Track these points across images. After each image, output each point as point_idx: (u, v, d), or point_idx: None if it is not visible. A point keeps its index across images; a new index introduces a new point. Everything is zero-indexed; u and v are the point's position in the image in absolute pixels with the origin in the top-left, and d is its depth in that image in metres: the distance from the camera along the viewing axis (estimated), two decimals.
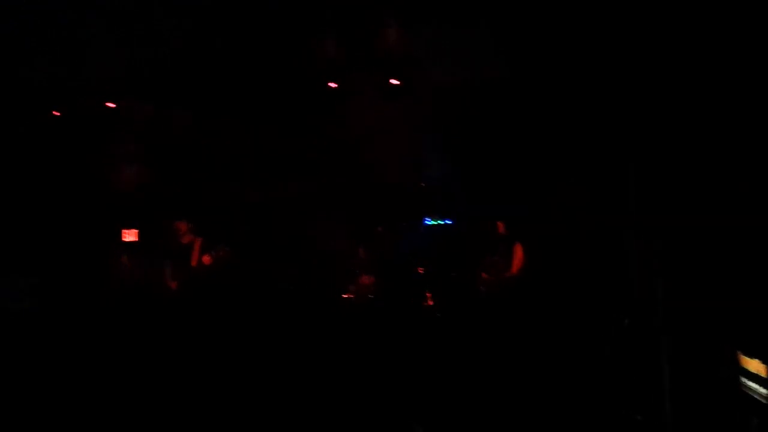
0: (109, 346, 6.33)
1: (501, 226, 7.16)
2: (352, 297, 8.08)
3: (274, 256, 8.26)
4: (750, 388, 4.11)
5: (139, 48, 6.11)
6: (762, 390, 3.94)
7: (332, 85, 6.92)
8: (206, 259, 6.88)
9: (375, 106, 7.15)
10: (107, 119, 7.30)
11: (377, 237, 8.40)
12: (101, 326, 6.89)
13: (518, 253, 7.01)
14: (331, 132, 7.67)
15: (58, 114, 7.05)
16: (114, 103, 7.07)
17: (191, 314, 6.73)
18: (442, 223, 9.02)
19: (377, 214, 8.58)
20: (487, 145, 7.58)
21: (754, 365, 4.09)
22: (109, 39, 6.00)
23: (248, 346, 6.57)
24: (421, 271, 8.24)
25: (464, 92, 7.13)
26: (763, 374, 3.89)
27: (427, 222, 9.04)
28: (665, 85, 4.83)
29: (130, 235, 8.30)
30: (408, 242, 8.73)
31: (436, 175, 8.42)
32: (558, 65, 6.19)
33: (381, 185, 8.26)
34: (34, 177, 6.95)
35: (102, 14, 5.77)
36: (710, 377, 4.42)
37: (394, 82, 6.70)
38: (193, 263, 6.90)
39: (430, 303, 7.90)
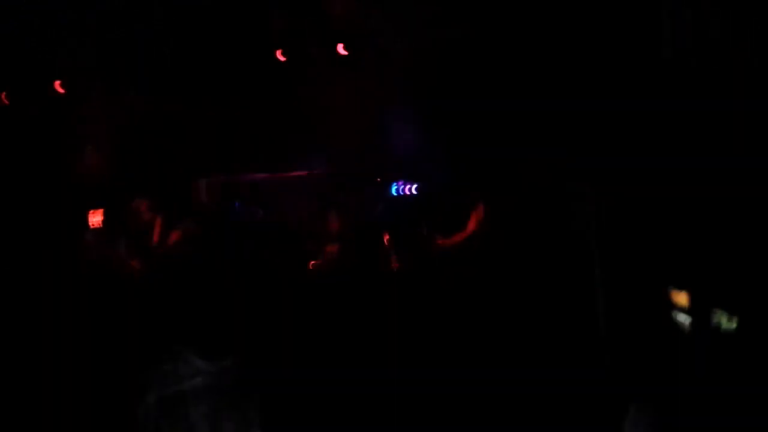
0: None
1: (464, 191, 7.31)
2: (319, 264, 8.25)
3: (240, 232, 8.36)
4: (678, 319, 4.39)
5: (90, 27, 6.15)
6: (688, 319, 4.21)
7: (281, 58, 7.00)
8: (174, 235, 6.95)
9: (330, 77, 7.25)
10: (64, 102, 7.34)
11: (341, 206, 8.54)
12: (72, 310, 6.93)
13: (474, 217, 7.15)
14: (289, 105, 7.78)
15: (6, 101, 7.07)
16: (66, 86, 7.11)
17: (159, 292, 6.84)
18: (408, 189, 9.16)
19: (340, 182, 8.72)
20: (448, 109, 7.68)
21: (682, 298, 4.37)
22: (58, 18, 6.01)
23: (219, 320, 6.65)
24: (386, 236, 8.41)
25: (418, 57, 7.23)
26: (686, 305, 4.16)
27: (393, 188, 9.17)
28: None
29: (96, 216, 8.38)
30: (373, 210, 8.89)
31: (400, 141, 8.54)
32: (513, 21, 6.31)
33: (344, 153, 8.39)
34: None
35: None
36: (645, 311, 4.69)
37: (342, 51, 6.80)
38: (155, 240, 7.01)
39: (396, 266, 8.09)
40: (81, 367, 5.17)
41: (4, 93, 7.09)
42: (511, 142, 6.85)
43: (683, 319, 4.38)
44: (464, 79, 7.22)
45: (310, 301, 7.25)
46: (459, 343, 5.59)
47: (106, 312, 6.37)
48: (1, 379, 5.11)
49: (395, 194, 8.99)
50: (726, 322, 3.93)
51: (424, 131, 8.06)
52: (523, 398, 4.47)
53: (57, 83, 7.08)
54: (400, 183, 9.05)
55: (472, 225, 7.16)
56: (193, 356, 1.47)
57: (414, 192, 8.94)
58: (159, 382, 1.43)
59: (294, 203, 8.44)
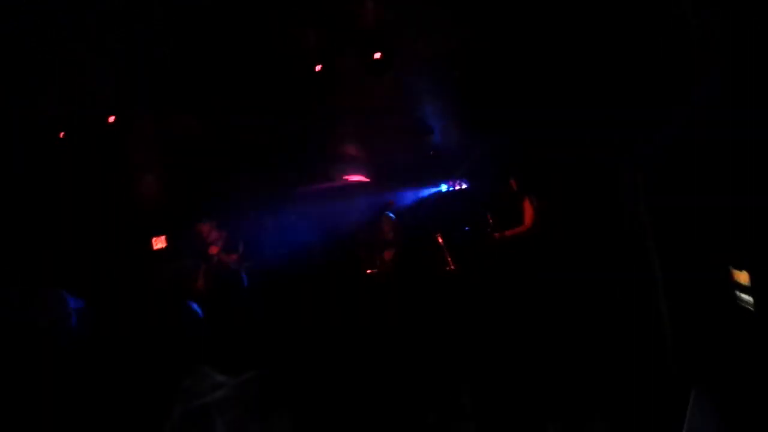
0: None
1: (513, 185, 7.22)
2: (375, 272, 8.27)
3: (299, 242, 8.47)
4: (740, 299, 4.21)
5: (135, 54, 6.33)
6: (749, 298, 4.03)
7: (318, 67, 7.07)
8: (218, 252, 7.10)
9: (367, 82, 7.29)
10: (113, 132, 7.60)
11: (391, 211, 8.56)
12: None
13: (528, 209, 7.07)
14: (332, 113, 7.85)
15: (63, 135, 7.36)
16: (115, 116, 7.37)
17: (225, 307, 6.99)
18: (457, 188, 9.11)
19: (389, 188, 8.74)
20: (487, 108, 7.62)
21: (743, 277, 4.19)
22: (104, 51, 6.22)
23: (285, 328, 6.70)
24: (440, 238, 8.37)
25: (456, 59, 7.21)
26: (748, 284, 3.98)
27: (442, 188, 9.14)
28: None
29: (159, 242, 8.65)
30: (424, 211, 8.88)
31: (442, 142, 8.52)
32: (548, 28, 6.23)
33: (389, 158, 8.41)
34: (54, 198, 7.28)
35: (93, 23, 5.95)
36: (705, 294, 4.52)
37: (377, 56, 6.82)
38: (219, 258, 7.20)
39: (452, 268, 8.03)
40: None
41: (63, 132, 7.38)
42: (553, 136, 6.73)
43: (746, 299, 4.20)
44: (503, 80, 7.15)
45: (370, 309, 7.27)
46: (520, 343, 5.50)
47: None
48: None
49: (446, 191, 8.97)
50: None
51: (465, 132, 8.02)
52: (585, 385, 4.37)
53: (111, 118, 7.34)
54: (450, 182, 9.03)
55: (528, 218, 7.08)
56: (213, 371, 1.50)
57: (464, 187, 8.89)
58: (182, 398, 1.47)
59: (346, 212, 8.50)
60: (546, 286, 6.24)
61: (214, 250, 7.30)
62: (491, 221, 7.43)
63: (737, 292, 4.32)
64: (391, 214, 8.41)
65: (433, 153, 8.87)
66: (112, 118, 7.22)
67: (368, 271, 8.32)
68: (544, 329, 5.68)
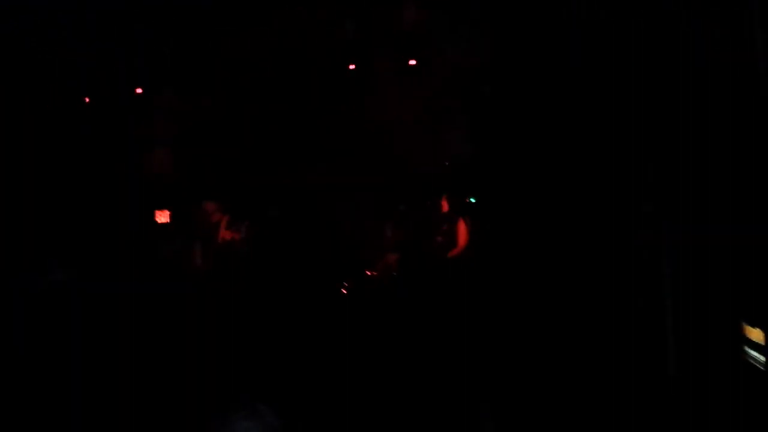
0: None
1: (445, 205, 7.20)
2: (375, 274, 8.25)
3: (301, 235, 8.44)
4: (752, 357, 4.19)
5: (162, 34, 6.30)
6: (762, 358, 4.02)
7: (351, 66, 7.05)
8: (227, 234, 7.08)
9: (395, 87, 7.26)
10: (137, 104, 7.56)
11: (400, 216, 8.53)
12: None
13: (462, 230, 7.02)
14: (353, 113, 7.82)
15: (88, 101, 7.32)
16: (142, 89, 7.33)
17: (221, 292, 6.94)
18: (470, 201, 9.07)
19: (402, 193, 8.70)
20: (509, 124, 7.60)
21: (755, 334, 4.17)
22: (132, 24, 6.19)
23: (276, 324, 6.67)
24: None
25: (483, 72, 7.17)
26: (763, 342, 3.97)
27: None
28: None
29: (162, 216, 8.59)
30: (431, 219, 8.85)
31: (460, 154, 8.48)
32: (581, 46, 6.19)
33: (405, 165, 8.38)
34: (67, 165, 7.23)
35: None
36: (715, 347, 4.50)
37: (412, 62, 6.80)
38: (219, 241, 7.15)
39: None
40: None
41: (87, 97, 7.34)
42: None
43: (758, 356, 4.19)
44: (529, 95, 7.11)
45: (366, 310, 7.24)
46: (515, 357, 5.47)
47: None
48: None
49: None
50: None
51: (487, 144, 7.98)
52: None
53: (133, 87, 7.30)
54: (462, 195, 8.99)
55: (461, 240, 6.99)
56: (264, 408, 1.45)
57: (472, 202, 8.86)
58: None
59: (353, 211, 8.47)
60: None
61: (226, 234, 7.26)
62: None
63: (747, 348, 4.31)
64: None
65: (448, 164, 8.85)
66: (139, 90, 7.17)
67: (368, 273, 8.30)
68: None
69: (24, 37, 6.03)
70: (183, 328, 6.04)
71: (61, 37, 6.25)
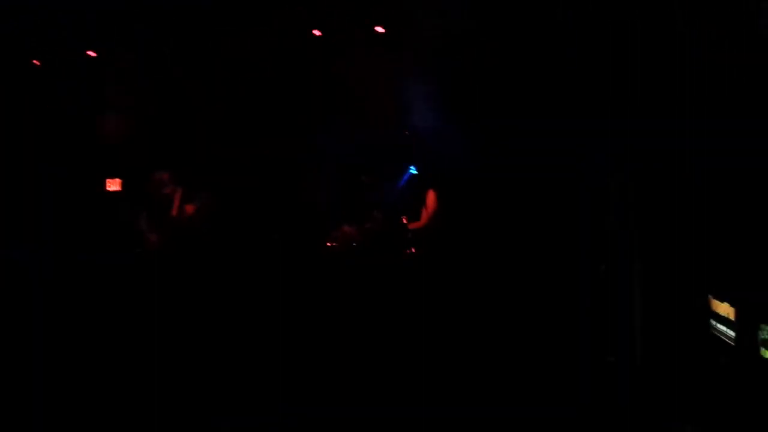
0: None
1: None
2: (335, 245, 8.17)
3: (259, 207, 8.28)
4: (719, 331, 4.30)
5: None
6: (730, 332, 4.12)
7: (316, 32, 6.84)
8: (189, 208, 6.90)
9: (360, 55, 7.11)
10: (91, 68, 7.23)
11: (361, 186, 8.44)
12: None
13: (430, 201, 7.14)
14: (315, 81, 7.64)
15: (38, 64, 6.96)
16: (95, 52, 6.99)
17: (175, 266, 6.78)
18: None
19: (362, 163, 8.59)
20: (474, 95, 7.54)
21: (723, 308, 4.28)
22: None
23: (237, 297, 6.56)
24: (405, 220, 8.31)
25: (451, 42, 7.08)
26: (731, 317, 4.06)
27: (412, 171, 9.04)
28: None
29: (113, 185, 8.28)
30: (393, 191, 8.78)
31: (423, 124, 8.40)
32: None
33: (366, 134, 8.25)
34: (17, 128, 6.93)
35: None
36: (681, 319, 4.60)
37: (379, 29, 6.65)
38: (173, 213, 6.94)
39: (413, 251, 8.00)
40: None
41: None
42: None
43: (722, 329, 4.29)
44: (498, 66, 7.06)
45: (323, 282, 7.17)
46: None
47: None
48: None
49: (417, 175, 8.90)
50: None
51: (451, 119, 7.93)
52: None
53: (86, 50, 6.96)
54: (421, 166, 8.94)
55: (428, 211, 7.10)
56: None
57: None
58: None
59: (317, 180, 8.33)
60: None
61: (176, 207, 7.03)
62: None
63: (713, 322, 4.41)
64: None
65: (408, 133, 8.76)
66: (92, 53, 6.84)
67: (327, 244, 8.22)
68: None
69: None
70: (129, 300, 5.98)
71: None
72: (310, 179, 8.24)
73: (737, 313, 3.91)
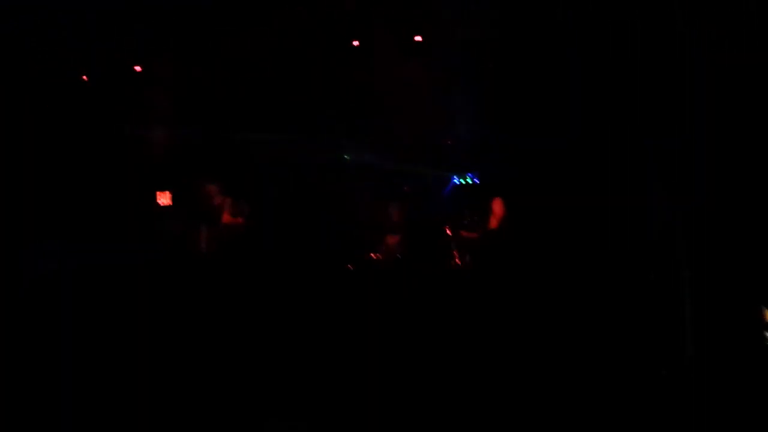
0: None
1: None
2: (379, 257, 8.14)
3: (303, 218, 8.33)
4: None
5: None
6: None
7: (355, 43, 6.88)
8: (226, 218, 7.02)
9: (398, 63, 7.11)
10: (136, 83, 7.43)
11: (404, 197, 8.41)
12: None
13: (496, 209, 7.02)
14: (356, 91, 7.68)
15: (86, 79, 7.18)
16: (141, 66, 7.18)
17: (224, 276, 6.85)
18: (470, 182, 8.96)
19: (405, 173, 8.58)
20: (514, 102, 7.45)
21: None
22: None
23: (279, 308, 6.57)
24: (448, 230, 8.23)
25: (488, 48, 7.04)
26: None
27: (454, 181, 8.99)
28: None
29: (163, 198, 8.46)
30: (436, 201, 8.74)
31: (464, 133, 8.35)
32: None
33: (408, 145, 8.25)
34: (66, 145, 7.15)
35: None
36: (735, 331, 4.42)
37: (417, 38, 6.64)
38: (222, 225, 7.06)
39: (458, 262, 7.90)
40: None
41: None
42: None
43: None
44: (535, 72, 6.97)
45: (366, 291, 7.13)
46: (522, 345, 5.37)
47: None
48: None
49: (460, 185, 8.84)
50: None
51: (489, 123, 7.86)
52: None
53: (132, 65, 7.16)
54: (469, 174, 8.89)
55: (495, 219, 7.01)
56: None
57: (476, 182, 8.76)
58: None
59: (357, 192, 8.34)
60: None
61: (226, 218, 7.16)
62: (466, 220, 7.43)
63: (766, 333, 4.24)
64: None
65: (451, 143, 8.72)
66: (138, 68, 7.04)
67: (372, 255, 8.19)
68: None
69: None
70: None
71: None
72: (353, 191, 8.27)
73: None
